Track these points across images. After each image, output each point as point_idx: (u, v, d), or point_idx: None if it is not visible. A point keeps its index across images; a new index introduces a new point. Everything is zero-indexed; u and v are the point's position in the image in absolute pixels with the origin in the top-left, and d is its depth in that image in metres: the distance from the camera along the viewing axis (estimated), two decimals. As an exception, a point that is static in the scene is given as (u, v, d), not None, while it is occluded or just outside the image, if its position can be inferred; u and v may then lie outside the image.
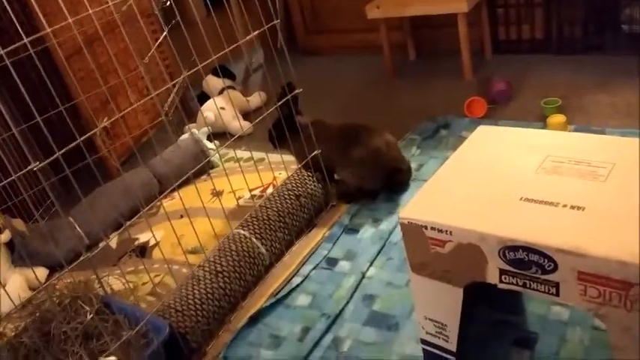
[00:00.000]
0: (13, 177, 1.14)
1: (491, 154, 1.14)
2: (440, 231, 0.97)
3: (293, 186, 1.79)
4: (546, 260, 0.87)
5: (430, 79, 2.71)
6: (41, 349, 1.37)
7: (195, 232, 1.58)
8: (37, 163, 1.06)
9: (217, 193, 2.15)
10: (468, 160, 1.14)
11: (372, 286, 1.49)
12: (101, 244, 1.83)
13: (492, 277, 0.95)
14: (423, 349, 1.17)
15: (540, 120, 2.08)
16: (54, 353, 1.37)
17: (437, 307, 1.08)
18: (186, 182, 1.67)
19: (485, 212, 0.97)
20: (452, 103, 2.33)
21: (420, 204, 1.05)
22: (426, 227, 0.99)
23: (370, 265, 1.56)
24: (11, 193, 2.09)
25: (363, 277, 1.53)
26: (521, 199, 0.97)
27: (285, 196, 1.76)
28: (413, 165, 1.99)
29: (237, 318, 1.52)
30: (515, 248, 0.90)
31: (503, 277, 0.94)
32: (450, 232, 0.96)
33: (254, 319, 1.48)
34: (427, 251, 1.01)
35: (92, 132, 1.49)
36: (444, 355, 1.13)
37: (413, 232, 1.01)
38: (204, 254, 1.63)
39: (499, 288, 0.96)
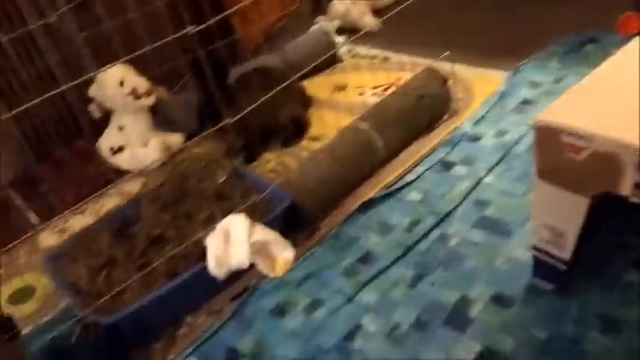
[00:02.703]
0: (169, 38, 1.22)
1: (648, 65, 1.05)
2: (578, 137, 0.94)
3: (418, 85, 1.78)
4: (692, 178, 0.83)
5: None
6: (178, 201, 1.56)
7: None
8: (194, 26, 1.14)
9: (341, 87, 2.19)
10: (617, 70, 1.07)
11: (486, 193, 1.49)
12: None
13: (625, 189, 0.92)
14: (534, 255, 1.18)
15: None
16: (188, 207, 1.54)
17: (558, 214, 1.07)
18: (312, 73, 1.73)
19: (630, 122, 0.92)
20: (602, 18, 2.11)
21: (559, 108, 1.01)
22: (563, 132, 0.96)
23: (488, 172, 1.55)
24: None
25: (479, 183, 1.53)
26: (675, 113, 0.90)
27: (409, 94, 1.75)
28: (549, 78, 1.88)
29: (350, 202, 1.60)
30: (659, 162, 0.85)
31: (637, 190, 0.91)
32: (590, 138, 0.93)
33: (365, 206, 1.56)
34: (560, 157, 0.99)
35: (229, 11, 1.53)
36: (555, 263, 1.14)
37: (547, 136, 0.99)
38: (324, 141, 1.71)
39: (627, 207, 0.93)
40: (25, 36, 1.82)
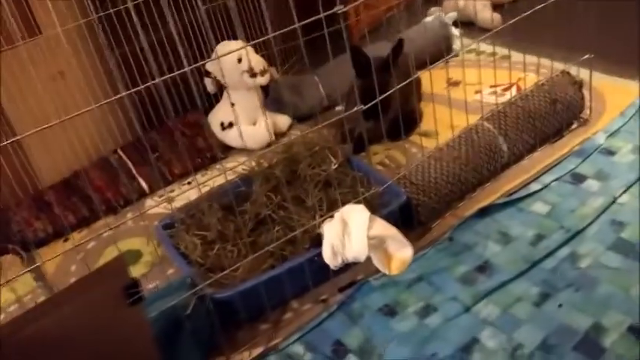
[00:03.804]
0: (317, 17, 1.14)
1: None
2: None
3: (551, 89, 1.66)
4: None
5: None
6: (289, 184, 1.53)
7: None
8: (342, 6, 1.08)
9: (454, 83, 2.09)
10: None
11: (623, 213, 1.37)
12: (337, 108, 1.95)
13: None
14: (684, 290, 1.07)
15: None
16: (298, 191, 1.52)
17: None
18: (425, 65, 1.64)
19: None
20: None
21: None
22: None
23: (625, 191, 1.42)
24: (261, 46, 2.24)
25: (614, 201, 1.40)
26: None
27: (541, 98, 1.64)
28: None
29: (465, 206, 1.53)
30: None
31: None
32: None
33: (483, 212, 1.47)
34: None
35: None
36: None
37: None
38: (436, 138, 1.63)
39: None
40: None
